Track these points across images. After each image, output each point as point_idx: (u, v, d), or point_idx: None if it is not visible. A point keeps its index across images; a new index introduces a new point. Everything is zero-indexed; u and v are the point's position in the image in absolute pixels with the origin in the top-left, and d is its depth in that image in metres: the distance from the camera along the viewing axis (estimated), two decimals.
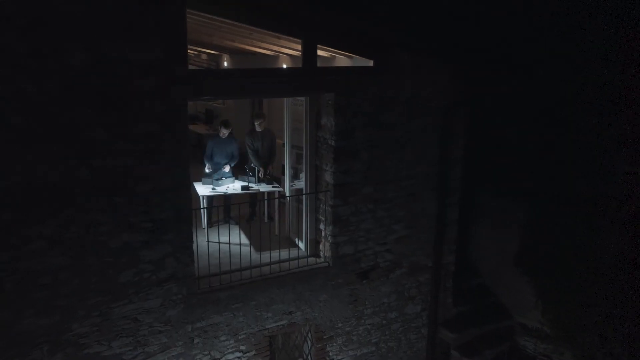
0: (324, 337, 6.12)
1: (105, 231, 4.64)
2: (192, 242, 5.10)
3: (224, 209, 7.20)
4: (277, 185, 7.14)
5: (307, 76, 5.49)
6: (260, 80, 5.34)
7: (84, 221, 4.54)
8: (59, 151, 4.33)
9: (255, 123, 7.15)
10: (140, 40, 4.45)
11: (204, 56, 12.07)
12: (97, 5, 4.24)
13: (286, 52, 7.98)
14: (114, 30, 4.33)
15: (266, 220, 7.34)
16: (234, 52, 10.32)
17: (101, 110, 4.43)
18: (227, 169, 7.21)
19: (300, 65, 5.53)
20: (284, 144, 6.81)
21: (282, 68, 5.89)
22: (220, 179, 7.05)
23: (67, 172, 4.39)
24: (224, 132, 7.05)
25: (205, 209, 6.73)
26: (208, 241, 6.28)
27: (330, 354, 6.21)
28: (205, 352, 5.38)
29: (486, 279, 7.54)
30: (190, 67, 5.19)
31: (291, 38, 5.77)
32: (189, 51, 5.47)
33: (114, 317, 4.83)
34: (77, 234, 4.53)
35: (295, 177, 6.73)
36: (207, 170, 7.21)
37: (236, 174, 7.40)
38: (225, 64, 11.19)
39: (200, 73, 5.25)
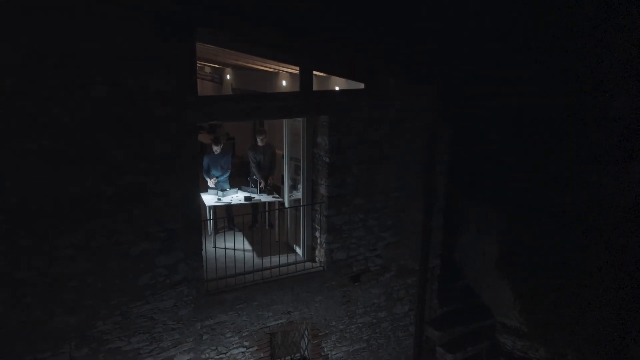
0: (320, 334, 6.76)
1: (126, 240, 5.27)
2: (201, 249, 5.73)
3: (228, 217, 7.83)
4: (277, 196, 7.77)
5: (304, 100, 6.13)
6: (262, 104, 5.98)
7: (107, 231, 5.18)
8: (86, 170, 4.97)
9: (258, 138, 7.79)
10: (156, 72, 5.09)
11: (207, 69, 12.71)
12: (118, 42, 4.87)
13: (285, 70, 8.63)
14: (133, 64, 4.97)
15: (267, 227, 7.98)
16: (236, 68, 10.96)
17: (122, 134, 5.07)
18: (226, 185, 7.84)
19: (298, 85, 6.18)
20: (283, 155, 7.45)
21: (282, 92, 6.51)
22: (225, 189, 7.69)
23: (92, 189, 5.03)
24: (216, 149, 7.66)
25: (211, 214, 7.36)
26: (215, 247, 6.91)
27: (325, 349, 6.85)
28: (213, 348, 6.02)
29: (470, 281, 8.16)
30: None
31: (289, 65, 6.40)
32: None
33: (133, 316, 5.47)
34: (101, 242, 5.17)
35: (293, 187, 7.36)
36: (211, 186, 7.80)
37: (239, 185, 8.03)
38: (228, 77, 11.82)
39: (209, 99, 5.85)
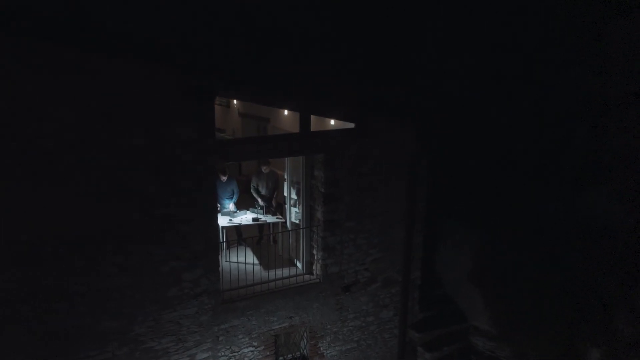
0: (317, 335, 7.98)
1: (158, 260, 6.48)
2: (218, 265, 6.95)
3: (238, 234, 9.05)
4: (280, 217, 8.98)
5: (303, 140, 7.33)
6: (268, 145, 7.20)
7: (143, 253, 6.39)
8: (126, 204, 6.17)
9: (262, 167, 9.01)
10: (183, 125, 6.29)
11: None
12: (155, 102, 6.08)
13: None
14: (166, 119, 6.18)
15: (271, 243, 9.20)
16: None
17: (156, 174, 6.28)
18: (232, 207, 9.03)
19: (298, 115, 7.36)
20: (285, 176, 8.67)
21: (285, 134, 7.70)
22: (235, 211, 8.92)
23: (131, 219, 6.24)
24: (223, 178, 8.85)
25: (224, 235, 8.57)
26: (229, 261, 8.12)
27: (321, 349, 8.06)
28: (227, 347, 7.23)
29: (447, 290, 9.37)
30: None
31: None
32: None
33: (163, 321, 6.68)
34: (137, 262, 6.38)
35: (294, 206, 8.54)
36: (232, 209, 9.00)
37: (248, 207, 9.24)
38: (235, 102, 13.04)
39: (226, 143, 7.03)
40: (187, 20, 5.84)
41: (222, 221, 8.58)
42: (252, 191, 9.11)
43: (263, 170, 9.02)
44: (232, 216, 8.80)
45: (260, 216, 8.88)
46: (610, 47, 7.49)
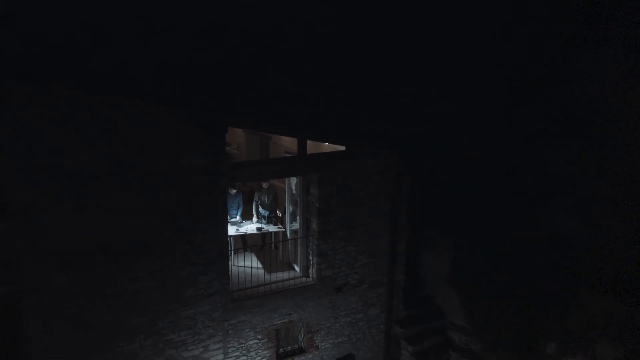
0: (312, 330, 9.22)
1: (178, 266, 7.73)
2: (228, 270, 8.19)
3: (243, 242, 10.29)
4: (281, 227, 10.21)
5: (300, 162, 8.57)
6: (270, 168, 8.43)
7: (166, 260, 7.63)
8: (152, 220, 7.41)
9: (262, 184, 10.24)
10: (199, 153, 7.53)
11: None
12: (176, 135, 7.31)
13: None
14: (185, 149, 7.41)
15: (273, 249, 10.43)
16: None
17: (177, 195, 7.51)
18: (238, 218, 10.27)
19: (296, 147, 8.62)
20: (284, 189, 9.88)
21: (284, 157, 8.92)
22: (241, 221, 10.17)
23: (156, 232, 7.48)
24: (232, 191, 10.08)
25: (232, 242, 9.80)
26: (237, 265, 9.36)
27: (317, 341, 9.31)
28: (235, 339, 8.48)
29: (429, 290, 10.59)
30: None
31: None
32: None
33: (182, 317, 7.93)
34: (161, 268, 7.63)
35: (293, 217, 9.77)
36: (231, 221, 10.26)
37: (251, 216, 10.47)
38: None
39: (234, 166, 8.28)
40: (200, 74, 7.08)
41: (230, 230, 9.81)
42: (254, 205, 10.34)
43: (263, 186, 10.26)
44: (238, 226, 10.04)
45: (263, 226, 10.12)
46: (574, 77, 8.70)
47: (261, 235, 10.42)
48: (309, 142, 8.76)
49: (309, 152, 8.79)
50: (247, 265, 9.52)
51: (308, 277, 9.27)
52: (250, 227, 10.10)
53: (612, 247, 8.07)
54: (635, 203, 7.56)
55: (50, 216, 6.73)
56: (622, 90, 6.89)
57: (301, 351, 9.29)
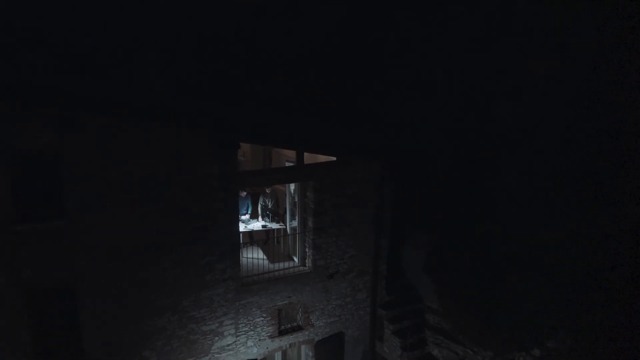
0: (308, 310, 11.00)
1: (198, 256, 9.51)
2: (239, 260, 9.97)
3: (250, 237, 12.07)
4: (282, 225, 11.98)
5: (298, 171, 10.33)
6: (274, 175, 10.20)
7: (188, 252, 9.41)
8: (177, 220, 9.18)
9: (266, 188, 12.00)
10: (215, 164, 9.29)
11: None
12: (195, 149, 9.08)
13: None
14: (203, 160, 9.17)
15: (275, 243, 12.21)
16: None
17: (196, 198, 9.29)
18: (247, 217, 12.05)
19: (294, 159, 10.38)
20: (285, 192, 11.65)
21: (285, 167, 10.67)
22: (249, 220, 11.96)
23: (180, 230, 9.25)
24: (243, 194, 11.84)
25: (241, 237, 11.59)
26: (246, 257, 11.14)
27: (312, 320, 11.10)
28: (245, 317, 10.27)
29: (409, 279, 12.35)
30: None
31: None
32: None
33: (201, 298, 9.72)
34: (185, 257, 9.41)
35: (292, 216, 11.54)
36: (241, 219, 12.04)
37: (257, 216, 12.24)
38: None
39: (243, 173, 10.04)
40: (217, 103, 8.84)
41: (240, 227, 11.59)
42: (260, 206, 12.11)
43: (267, 190, 12.03)
44: (246, 224, 11.83)
45: (267, 224, 11.90)
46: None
47: (265, 231, 12.20)
48: (305, 153, 10.52)
49: (306, 162, 10.56)
50: (254, 256, 11.30)
51: (305, 266, 11.05)
52: (256, 225, 11.88)
53: (558, 240, 9.81)
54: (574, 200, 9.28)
55: (99, 216, 8.53)
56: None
57: (299, 328, 11.08)
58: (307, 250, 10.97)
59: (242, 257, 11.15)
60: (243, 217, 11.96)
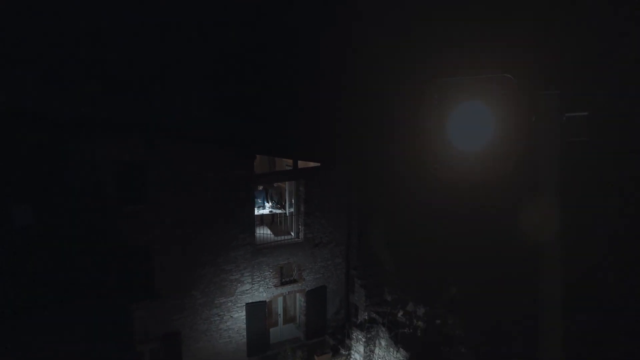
0: (301, 269, 16.00)
1: (228, 229, 14.50)
2: (255, 232, 14.96)
3: (261, 218, 17.06)
4: (284, 210, 16.95)
5: (294, 173, 15.31)
6: (279, 177, 15.20)
7: (221, 227, 14.39)
8: (215, 204, 14.16)
9: (274, 184, 16.97)
10: (238, 168, 14.26)
11: None
12: (222, 159, 14.05)
13: None
14: (230, 166, 14.15)
15: (278, 224, 17.21)
16: None
17: (225, 190, 14.26)
18: (265, 203, 17.04)
19: (291, 164, 15.35)
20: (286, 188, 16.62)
21: (285, 170, 15.63)
22: (262, 206, 16.97)
23: (216, 211, 14.23)
24: (260, 188, 16.81)
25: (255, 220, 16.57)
26: (258, 232, 16.12)
27: (304, 275, 16.10)
28: (258, 271, 15.26)
29: (373, 249, 17.27)
30: None
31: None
32: None
33: (230, 257, 14.72)
34: (218, 230, 14.39)
35: (290, 204, 16.50)
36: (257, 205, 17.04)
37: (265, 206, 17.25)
38: None
39: (257, 175, 15.02)
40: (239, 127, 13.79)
41: (255, 211, 16.59)
42: (268, 197, 17.11)
43: (274, 185, 17.02)
44: (259, 209, 16.82)
45: (273, 209, 16.91)
46: None
47: (271, 214, 17.19)
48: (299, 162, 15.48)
49: (299, 167, 15.52)
50: (264, 232, 16.28)
51: (298, 238, 16.03)
52: (265, 210, 16.88)
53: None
54: None
55: (167, 201, 13.52)
56: None
57: (294, 281, 16.07)
58: (300, 227, 15.94)
59: (256, 232, 16.19)
60: (259, 202, 16.97)
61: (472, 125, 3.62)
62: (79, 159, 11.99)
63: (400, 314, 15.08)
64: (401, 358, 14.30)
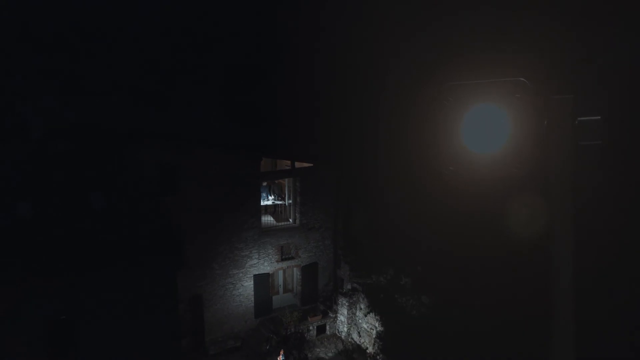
0: (297, 248, 20.03)
1: (239, 216, 18.52)
2: (260, 218, 18.98)
3: (265, 208, 21.08)
4: (284, 201, 20.94)
5: (292, 172, 19.33)
6: (281, 174, 19.24)
7: (236, 213, 18.41)
8: (229, 197, 18.18)
9: (275, 181, 20.97)
10: (247, 167, 18.27)
11: None
12: (236, 161, 18.06)
13: None
14: (241, 166, 18.15)
15: (279, 213, 21.23)
16: None
17: (239, 185, 18.28)
18: (266, 196, 21.06)
19: (290, 165, 19.37)
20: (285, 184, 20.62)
21: (285, 169, 19.64)
22: (266, 199, 21.00)
23: (232, 201, 18.25)
24: (264, 184, 20.81)
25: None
26: (263, 219, 20.14)
27: (299, 254, 20.12)
28: (263, 249, 19.28)
29: (357, 233, 21.26)
30: None
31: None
32: None
33: (241, 237, 18.74)
34: (232, 217, 18.41)
35: (289, 196, 20.49)
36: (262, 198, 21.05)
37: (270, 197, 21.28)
38: None
39: (263, 173, 19.03)
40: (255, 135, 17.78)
41: (262, 202, 20.59)
42: (272, 191, 21.15)
43: (276, 182, 21.03)
44: (264, 201, 20.84)
45: (275, 201, 20.93)
46: None
47: (274, 205, 21.22)
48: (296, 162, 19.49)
49: (297, 166, 19.53)
50: (268, 219, 20.30)
51: (295, 223, 20.04)
52: (269, 202, 20.90)
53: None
54: None
55: (192, 193, 17.53)
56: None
57: (292, 258, 20.09)
58: (296, 214, 19.96)
59: (262, 218, 20.25)
60: (263, 197, 21.01)
61: (482, 129, 3.52)
62: (133, 160, 16.01)
63: (373, 280, 19.11)
64: (374, 316, 18.33)
